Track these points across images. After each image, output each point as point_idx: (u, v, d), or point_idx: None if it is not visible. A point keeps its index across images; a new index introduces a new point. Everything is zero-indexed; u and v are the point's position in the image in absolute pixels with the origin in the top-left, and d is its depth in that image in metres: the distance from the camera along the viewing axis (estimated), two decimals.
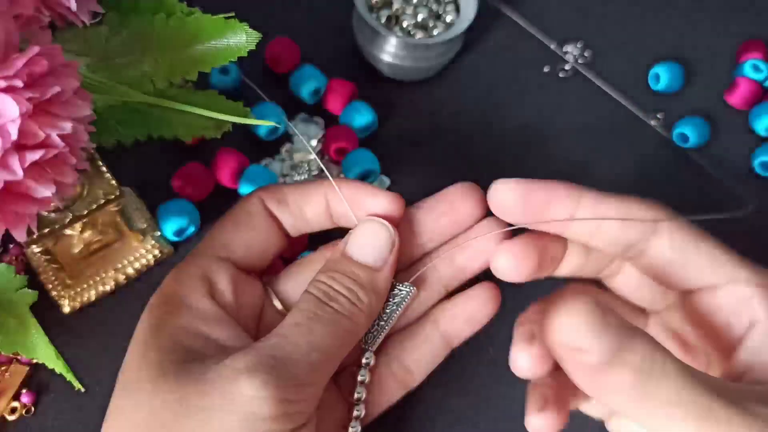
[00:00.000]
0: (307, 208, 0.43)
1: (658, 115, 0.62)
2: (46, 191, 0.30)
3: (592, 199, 0.38)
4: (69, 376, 0.40)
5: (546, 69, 0.64)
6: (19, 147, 0.29)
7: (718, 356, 0.38)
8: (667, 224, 0.38)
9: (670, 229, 0.38)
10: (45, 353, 0.39)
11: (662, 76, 0.62)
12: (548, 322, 0.32)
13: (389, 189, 0.56)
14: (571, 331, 0.31)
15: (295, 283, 0.44)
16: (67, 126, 0.30)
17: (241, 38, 0.38)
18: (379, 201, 0.42)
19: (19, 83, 0.28)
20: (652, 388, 0.30)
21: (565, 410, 0.40)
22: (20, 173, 0.28)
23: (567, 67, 0.64)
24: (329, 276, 0.39)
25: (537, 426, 0.39)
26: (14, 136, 0.28)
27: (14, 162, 0.28)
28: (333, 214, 0.43)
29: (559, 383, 0.40)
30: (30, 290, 0.38)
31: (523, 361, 0.39)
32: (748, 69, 0.62)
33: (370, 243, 0.41)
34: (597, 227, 0.38)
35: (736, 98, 0.62)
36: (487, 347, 0.51)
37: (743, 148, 0.61)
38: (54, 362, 0.39)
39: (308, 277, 0.41)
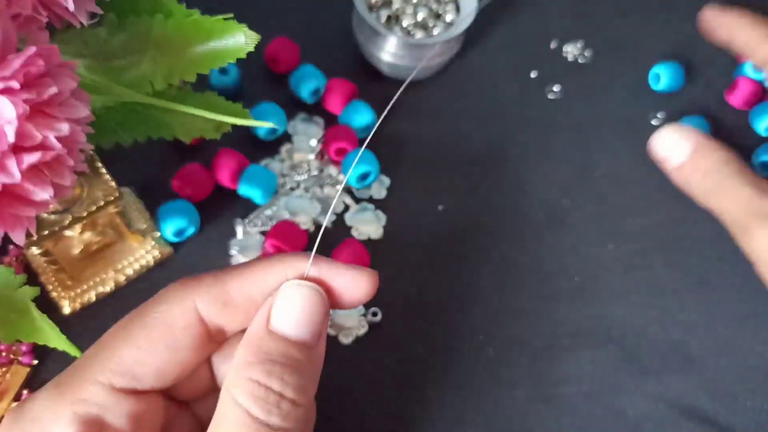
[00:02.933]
0: (261, 297, 0.34)
1: (659, 115, 0.62)
2: (44, 194, 0.30)
3: None
4: (75, 352, 0.39)
5: (533, 75, 0.64)
6: (17, 149, 0.28)
7: None
8: None
9: None
10: (49, 334, 0.38)
11: (663, 76, 0.62)
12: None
13: (389, 189, 0.56)
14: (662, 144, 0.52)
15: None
16: (65, 127, 0.30)
17: (240, 40, 0.38)
18: (355, 281, 0.35)
19: (15, 84, 0.28)
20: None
21: None
22: (18, 176, 0.28)
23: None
24: (263, 369, 0.31)
25: None
26: (11, 138, 0.28)
27: (11, 164, 0.28)
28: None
29: None
30: (30, 287, 0.38)
31: None
32: (748, 69, 0.62)
33: (298, 313, 0.33)
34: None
35: (736, 98, 0.62)
36: (486, 347, 0.51)
37: (744, 148, 0.61)
38: (58, 341, 0.38)
39: None
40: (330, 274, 0.35)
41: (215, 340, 0.35)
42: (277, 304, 0.33)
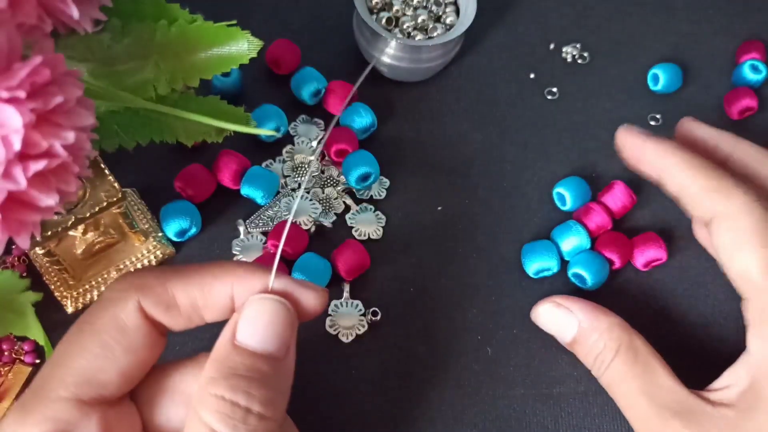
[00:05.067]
0: (205, 304, 0.34)
1: (657, 116, 0.62)
2: (49, 200, 0.30)
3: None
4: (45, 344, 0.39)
5: (532, 76, 0.64)
6: (23, 157, 0.29)
7: None
8: None
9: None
10: (35, 331, 0.39)
11: (661, 77, 0.62)
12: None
13: (389, 190, 0.57)
14: (542, 321, 0.50)
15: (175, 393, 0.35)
16: (70, 136, 0.30)
17: (242, 46, 0.38)
18: (311, 296, 0.35)
19: (21, 94, 0.28)
20: (600, 371, 0.46)
21: None
22: (24, 183, 0.29)
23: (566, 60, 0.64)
24: (227, 384, 0.30)
25: None
26: (17, 146, 0.28)
27: (18, 172, 0.28)
28: (237, 306, 0.34)
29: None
30: (33, 292, 0.39)
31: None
32: (746, 69, 0.62)
33: (265, 327, 0.32)
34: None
35: (733, 112, 0.62)
36: (485, 347, 0.52)
37: None
38: (37, 335, 0.39)
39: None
40: (288, 288, 0.35)
41: (165, 335, 0.35)
42: (243, 318, 0.32)
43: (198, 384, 0.31)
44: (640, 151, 0.46)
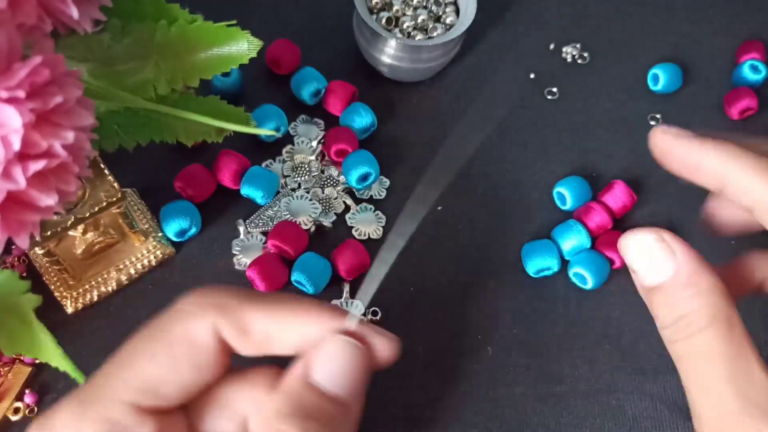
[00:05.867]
0: (278, 338, 0.33)
1: (657, 116, 0.62)
2: (48, 200, 0.30)
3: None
4: (75, 374, 0.39)
5: (532, 76, 0.64)
6: (22, 157, 0.29)
7: None
8: None
9: None
10: (51, 353, 0.39)
11: (661, 77, 0.62)
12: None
13: (389, 190, 0.57)
14: (630, 253, 0.37)
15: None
16: (70, 135, 0.30)
17: (242, 46, 0.38)
18: (386, 344, 0.34)
19: (21, 94, 0.28)
20: (678, 338, 0.36)
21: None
22: (23, 183, 0.29)
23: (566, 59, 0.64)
24: (297, 424, 0.30)
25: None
26: (17, 146, 0.28)
27: (17, 172, 0.29)
28: (306, 344, 0.33)
29: None
30: (34, 294, 0.39)
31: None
32: (746, 69, 0.62)
33: (341, 369, 0.32)
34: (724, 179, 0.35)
35: (733, 112, 0.62)
36: (486, 347, 0.52)
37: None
38: (59, 361, 0.39)
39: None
40: (366, 333, 0.34)
41: (230, 358, 0.34)
42: (321, 357, 0.32)
43: (259, 408, 0.31)
44: (697, 156, 0.38)
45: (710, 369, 0.34)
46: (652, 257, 0.37)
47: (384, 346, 0.34)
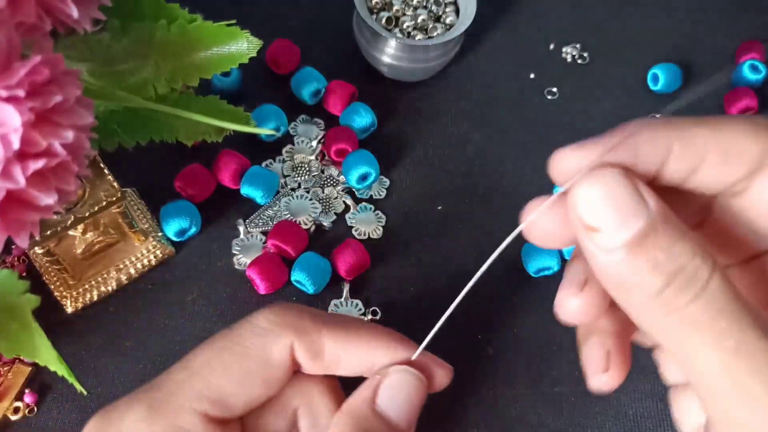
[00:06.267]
0: (347, 362, 0.35)
1: (657, 115, 0.62)
2: (48, 199, 0.30)
3: (685, 140, 0.27)
4: (72, 380, 0.39)
5: (532, 76, 0.64)
6: (22, 156, 0.29)
7: None
8: None
9: None
10: (48, 357, 0.39)
11: (661, 77, 0.62)
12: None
13: (389, 189, 0.57)
14: (589, 205, 0.26)
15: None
16: (69, 135, 0.30)
17: (242, 45, 0.38)
18: (443, 373, 0.37)
19: (21, 93, 0.28)
20: (683, 301, 0.24)
21: (627, 355, 0.31)
22: (22, 182, 0.29)
23: (567, 58, 0.64)
24: None
25: (601, 384, 0.31)
26: (16, 145, 0.28)
27: (16, 171, 0.29)
28: (371, 368, 0.35)
29: (617, 322, 0.31)
30: (33, 295, 0.38)
31: (571, 305, 0.30)
32: (746, 70, 0.62)
33: (404, 399, 0.34)
34: (693, 169, 0.27)
35: (732, 112, 0.62)
36: (486, 347, 0.52)
37: None
38: (57, 366, 0.39)
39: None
40: (427, 364, 0.36)
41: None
42: (388, 385, 0.33)
43: (312, 408, 0.34)
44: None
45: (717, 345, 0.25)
46: (618, 204, 0.26)
47: (441, 376, 0.36)
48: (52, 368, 0.39)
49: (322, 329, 0.34)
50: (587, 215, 0.26)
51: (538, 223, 0.32)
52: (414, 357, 0.35)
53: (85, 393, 0.43)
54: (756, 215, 0.28)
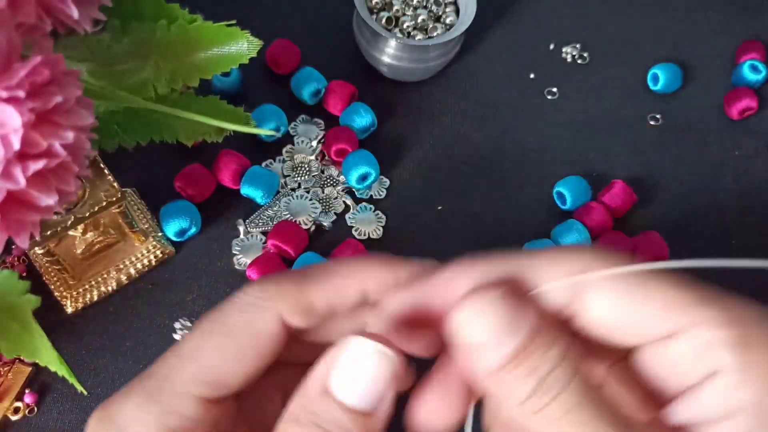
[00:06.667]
0: (342, 304, 0.32)
1: (657, 116, 0.62)
2: (48, 199, 0.30)
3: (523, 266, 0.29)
4: (72, 380, 0.39)
5: (532, 76, 0.64)
6: (22, 156, 0.29)
7: None
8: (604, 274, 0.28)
9: (607, 279, 0.28)
10: (48, 357, 0.39)
11: (661, 77, 0.62)
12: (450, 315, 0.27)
13: (389, 189, 0.57)
14: (467, 327, 0.27)
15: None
16: (70, 135, 0.30)
17: (242, 46, 0.38)
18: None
19: (21, 93, 0.28)
20: (546, 401, 0.27)
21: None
22: (23, 182, 0.29)
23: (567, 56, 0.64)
24: None
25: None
26: (17, 146, 0.28)
27: (17, 171, 0.29)
28: (371, 298, 0.32)
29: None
30: (33, 295, 0.39)
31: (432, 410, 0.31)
32: (746, 70, 0.62)
33: (361, 376, 0.28)
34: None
35: (732, 112, 0.62)
36: None
37: (741, 157, 0.61)
38: (57, 366, 0.39)
39: None
40: (396, 333, 0.31)
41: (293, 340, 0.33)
42: (341, 364, 0.28)
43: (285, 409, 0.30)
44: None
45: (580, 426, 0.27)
46: (496, 324, 0.27)
47: (420, 347, 0.32)
48: (53, 368, 0.39)
49: (304, 286, 0.31)
50: (466, 337, 0.27)
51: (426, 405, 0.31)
52: (371, 325, 0.31)
53: (85, 393, 0.43)
54: (604, 330, 0.29)
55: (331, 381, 0.28)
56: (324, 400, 0.28)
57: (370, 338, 0.29)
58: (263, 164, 0.56)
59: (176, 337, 0.32)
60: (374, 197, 0.56)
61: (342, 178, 0.56)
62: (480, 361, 0.27)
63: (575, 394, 0.27)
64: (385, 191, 0.57)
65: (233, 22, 0.40)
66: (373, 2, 0.60)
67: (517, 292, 0.28)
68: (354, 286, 0.31)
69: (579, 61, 0.65)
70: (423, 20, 0.59)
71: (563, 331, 0.28)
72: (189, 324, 0.35)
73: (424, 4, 0.61)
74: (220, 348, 0.31)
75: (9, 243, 0.31)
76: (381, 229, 0.55)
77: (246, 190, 0.53)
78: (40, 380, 0.48)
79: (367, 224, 0.55)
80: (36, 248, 0.46)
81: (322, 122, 0.59)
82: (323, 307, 0.31)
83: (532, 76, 0.64)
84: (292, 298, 0.31)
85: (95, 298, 0.50)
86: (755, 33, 0.67)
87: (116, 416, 0.30)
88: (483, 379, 0.28)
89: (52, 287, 0.50)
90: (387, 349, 0.28)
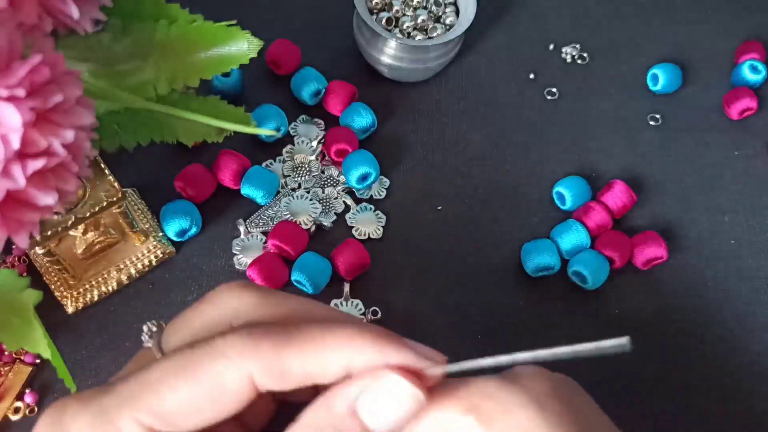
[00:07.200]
0: (320, 375, 0.30)
1: (657, 116, 0.62)
2: (48, 199, 0.30)
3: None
4: (65, 376, 0.39)
5: (532, 76, 0.64)
6: (22, 156, 0.29)
7: None
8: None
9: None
10: (42, 346, 0.38)
11: (661, 77, 0.62)
12: None
13: (389, 190, 0.57)
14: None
15: None
16: (70, 134, 0.30)
17: (243, 46, 0.38)
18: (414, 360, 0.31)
19: (21, 92, 0.28)
20: None
21: None
22: (23, 182, 0.29)
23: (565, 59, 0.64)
24: None
25: None
26: (16, 145, 0.28)
27: (17, 171, 0.29)
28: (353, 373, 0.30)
29: None
30: (34, 290, 0.38)
31: None
32: (746, 70, 0.62)
33: (390, 407, 0.29)
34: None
35: (732, 113, 0.62)
36: (485, 346, 0.52)
37: (741, 157, 0.61)
38: (53, 358, 0.39)
39: None
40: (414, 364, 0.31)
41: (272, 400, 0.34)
42: (373, 392, 0.29)
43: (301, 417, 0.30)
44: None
45: None
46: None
47: (435, 373, 0.31)
48: (45, 356, 0.38)
49: (282, 351, 0.30)
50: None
51: None
52: (403, 360, 0.30)
53: (74, 389, 0.42)
54: None
55: (360, 404, 0.29)
56: (350, 419, 0.29)
57: (404, 377, 0.29)
58: (263, 164, 0.56)
59: (143, 339, 0.32)
60: (374, 197, 0.56)
61: (342, 178, 0.56)
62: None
63: None
64: (385, 191, 0.57)
65: (233, 22, 0.40)
66: (373, 2, 0.60)
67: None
68: (339, 362, 0.30)
69: (579, 61, 0.65)
70: (423, 21, 0.60)
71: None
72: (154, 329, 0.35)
73: (424, 4, 0.61)
74: (177, 389, 0.30)
75: (9, 243, 0.31)
76: (381, 229, 0.55)
77: (246, 190, 0.53)
78: (40, 380, 0.48)
79: (367, 224, 0.55)
80: (36, 248, 0.46)
81: (322, 122, 0.59)
82: (300, 376, 0.30)
83: (532, 76, 0.64)
84: (267, 361, 0.30)
85: (95, 298, 0.50)
86: (755, 33, 0.67)
87: (69, 426, 0.30)
88: None
89: (53, 287, 0.50)
90: (419, 391, 0.29)
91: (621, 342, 0.28)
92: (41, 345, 0.39)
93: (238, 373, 0.30)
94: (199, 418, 0.30)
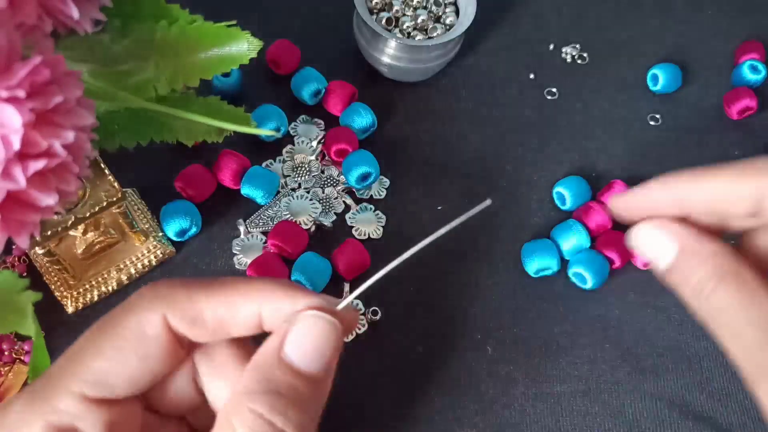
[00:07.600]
0: (233, 322, 0.33)
1: (657, 116, 0.62)
2: (48, 199, 0.30)
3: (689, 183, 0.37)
4: (42, 354, 0.39)
5: (532, 76, 0.64)
6: (22, 156, 0.29)
7: None
8: None
9: None
10: (29, 328, 0.38)
11: (661, 77, 0.62)
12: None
13: (389, 190, 0.57)
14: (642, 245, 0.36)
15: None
16: (70, 135, 0.30)
17: (242, 46, 0.38)
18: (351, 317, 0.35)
19: (21, 93, 0.28)
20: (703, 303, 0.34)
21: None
22: (23, 183, 0.29)
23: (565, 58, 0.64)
24: (267, 402, 0.30)
25: None
26: (17, 146, 0.28)
27: (17, 171, 0.29)
28: (265, 323, 0.33)
29: None
30: (33, 291, 0.38)
31: None
32: (746, 70, 0.62)
33: (315, 344, 0.32)
34: (711, 208, 0.36)
35: (732, 112, 0.62)
36: (485, 346, 0.52)
37: (739, 156, 0.61)
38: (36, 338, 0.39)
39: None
40: (333, 307, 0.34)
41: (185, 348, 0.34)
42: (294, 333, 0.32)
43: (233, 388, 0.31)
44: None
45: (732, 319, 0.35)
46: (657, 244, 0.37)
47: (351, 320, 0.34)
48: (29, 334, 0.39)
49: (194, 294, 0.32)
50: (642, 253, 0.37)
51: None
52: (340, 307, 0.33)
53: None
54: None
55: (286, 350, 0.31)
56: (281, 368, 0.31)
57: (321, 311, 0.32)
58: (263, 164, 0.56)
59: None
60: (374, 197, 0.56)
61: (342, 178, 0.56)
62: (655, 269, 0.36)
63: (723, 294, 0.34)
64: (385, 191, 0.57)
65: (233, 22, 0.40)
66: (373, 2, 0.60)
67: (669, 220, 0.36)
68: (248, 307, 0.32)
69: (579, 61, 0.65)
70: (423, 20, 0.60)
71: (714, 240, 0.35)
72: None
73: (424, 4, 0.61)
74: (102, 349, 0.31)
75: (9, 243, 0.31)
76: (381, 229, 0.55)
77: (246, 190, 0.53)
78: None
79: (367, 224, 0.55)
80: (36, 248, 0.46)
81: (322, 122, 0.59)
82: (212, 320, 0.32)
83: (532, 76, 0.64)
84: (179, 304, 0.32)
85: (95, 298, 0.50)
86: (755, 33, 0.67)
87: (3, 418, 0.31)
88: (663, 279, 0.35)
89: (53, 287, 0.50)
90: (338, 322, 0.32)
91: (486, 203, 0.36)
92: (27, 324, 0.39)
93: (153, 319, 0.32)
94: (127, 373, 0.31)
